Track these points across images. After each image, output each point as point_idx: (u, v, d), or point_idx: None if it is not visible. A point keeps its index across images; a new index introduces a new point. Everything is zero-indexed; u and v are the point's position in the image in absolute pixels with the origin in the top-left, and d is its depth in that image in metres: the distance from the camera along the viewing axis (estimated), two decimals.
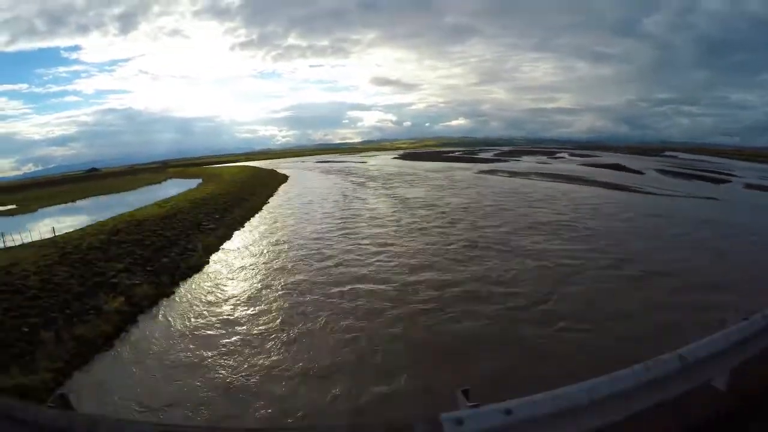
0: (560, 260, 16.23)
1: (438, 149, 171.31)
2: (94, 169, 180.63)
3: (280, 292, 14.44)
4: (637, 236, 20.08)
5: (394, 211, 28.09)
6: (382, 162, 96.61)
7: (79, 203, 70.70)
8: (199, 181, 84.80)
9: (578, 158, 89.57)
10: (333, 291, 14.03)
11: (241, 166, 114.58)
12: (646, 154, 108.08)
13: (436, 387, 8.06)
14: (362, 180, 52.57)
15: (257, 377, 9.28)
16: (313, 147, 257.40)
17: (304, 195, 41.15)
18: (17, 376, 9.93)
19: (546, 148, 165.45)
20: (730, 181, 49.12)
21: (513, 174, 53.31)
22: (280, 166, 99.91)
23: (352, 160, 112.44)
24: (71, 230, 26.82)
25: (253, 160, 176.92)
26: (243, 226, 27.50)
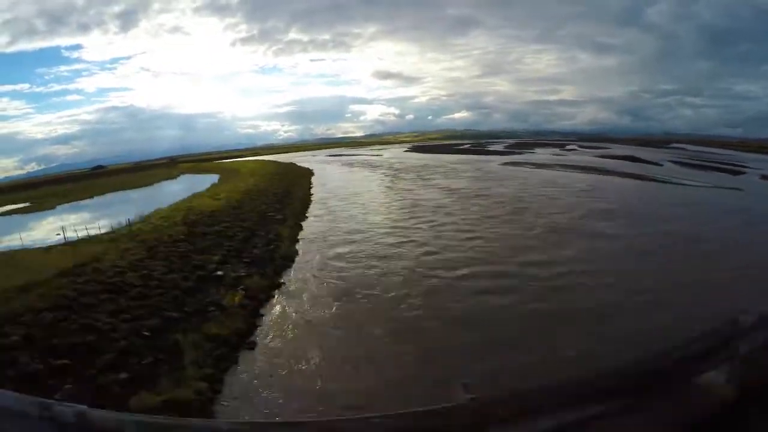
0: (639, 240, 18.04)
1: (444, 142, 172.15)
2: (99, 167, 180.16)
3: (398, 278, 15.14)
4: (696, 221, 21.91)
5: (452, 201, 29.73)
6: (398, 155, 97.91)
7: (99, 200, 71.47)
8: (216, 176, 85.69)
9: (590, 150, 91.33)
10: (454, 275, 15.35)
11: (256, 160, 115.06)
12: (653, 146, 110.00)
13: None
14: (393, 172, 54.09)
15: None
16: (315, 141, 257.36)
17: (345, 187, 42.53)
18: (167, 390, 8.69)
19: (553, 140, 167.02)
20: (745, 173, 51.05)
21: (539, 166, 55.03)
22: (294, 160, 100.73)
23: (364, 154, 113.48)
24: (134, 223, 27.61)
25: (260, 154, 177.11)
26: (306, 217, 28.36)
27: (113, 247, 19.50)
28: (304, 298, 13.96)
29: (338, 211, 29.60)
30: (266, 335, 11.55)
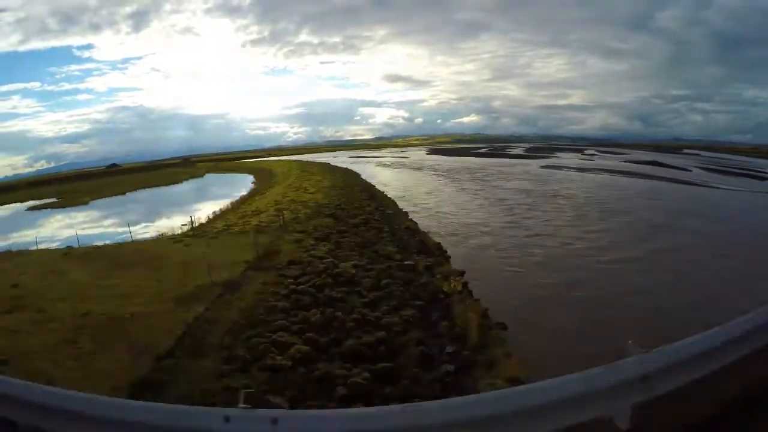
0: (733, 236, 21.47)
1: (456, 146, 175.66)
2: (114, 165, 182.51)
3: (564, 262, 18.03)
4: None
5: (534, 201, 32.49)
6: (423, 157, 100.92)
7: (132, 195, 73.77)
8: (246, 175, 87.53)
9: (611, 155, 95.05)
10: (605, 259, 18.55)
11: (278, 160, 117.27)
12: (667, 152, 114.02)
13: None
14: (443, 173, 57.32)
15: None
16: (324, 144, 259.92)
17: (409, 187, 44.52)
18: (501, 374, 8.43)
19: (567, 145, 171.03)
20: None
21: (581, 170, 58.61)
22: (317, 161, 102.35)
23: (386, 156, 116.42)
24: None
25: (273, 155, 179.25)
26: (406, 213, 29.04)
27: (275, 240, 20.12)
28: (499, 284, 15.16)
29: (431, 207, 31.37)
30: (513, 320, 11.77)
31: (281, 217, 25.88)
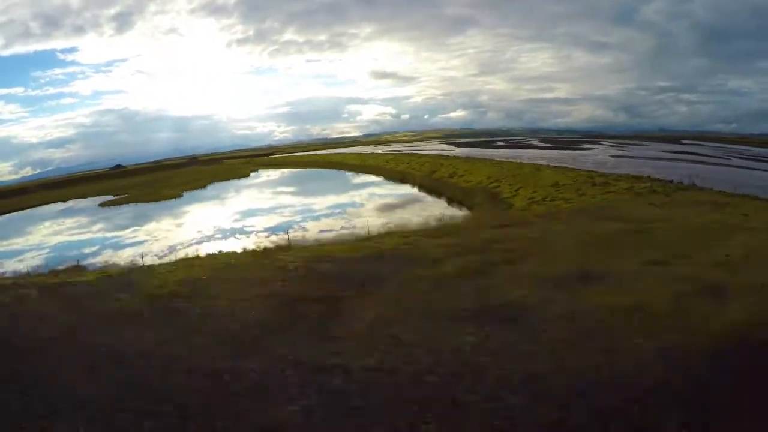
0: None
1: (457, 140, 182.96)
2: (119, 166, 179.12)
3: None
4: None
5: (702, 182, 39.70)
6: (471, 152, 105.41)
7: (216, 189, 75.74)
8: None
9: (634, 147, 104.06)
10: None
11: (352, 154, 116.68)
12: (667, 143, 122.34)
13: None
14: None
15: None
16: (311, 142, 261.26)
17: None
18: None
19: (571, 137, 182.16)
20: None
21: (650, 158, 67.14)
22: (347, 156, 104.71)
23: (421, 149, 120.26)
24: None
25: (278, 153, 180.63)
26: None
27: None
28: None
29: None
30: None
31: None
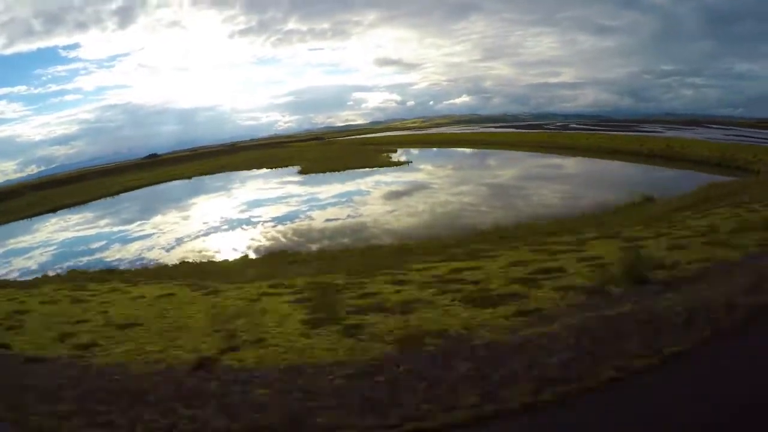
0: None
1: (477, 125, 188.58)
2: (153, 155, 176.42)
3: None
4: None
5: None
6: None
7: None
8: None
9: (689, 129, 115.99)
10: None
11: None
12: (684, 126, 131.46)
13: None
14: None
15: None
16: (317, 131, 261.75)
17: None
18: None
19: (616, 121, 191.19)
20: None
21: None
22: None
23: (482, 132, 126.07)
24: None
25: (296, 142, 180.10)
26: None
27: None
28: None
29: None
30: None
31: None
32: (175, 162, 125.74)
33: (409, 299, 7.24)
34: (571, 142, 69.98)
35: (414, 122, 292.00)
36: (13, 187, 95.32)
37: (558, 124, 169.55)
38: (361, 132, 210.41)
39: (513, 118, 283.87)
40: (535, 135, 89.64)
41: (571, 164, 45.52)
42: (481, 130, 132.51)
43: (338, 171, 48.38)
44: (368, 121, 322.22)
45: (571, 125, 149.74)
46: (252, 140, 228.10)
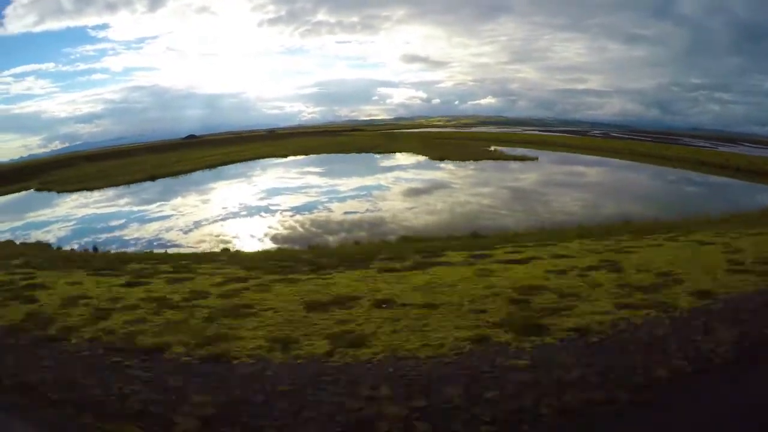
0: None
1: (490, 129, 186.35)
2: (192, 136, 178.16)
3: None
4: None
5: None
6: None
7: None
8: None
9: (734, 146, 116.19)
10: None
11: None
12: (722, 142, 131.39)
13: None
14: None
15: None
16: (340, 124, 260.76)
17: None
18: None
19: (651, 134, 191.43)
20: None
21: None
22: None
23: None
24: None
25: (332, 132, 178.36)
26: None
27: None
28: None
29: None
30: None
31: None
32: (223, 143, 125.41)
33: None
34: (657, 151, 70.57)
35: (439, 120, 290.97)
36: (61, 157, 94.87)
37: (596, 132, 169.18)
38: (387, 127, 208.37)
39: (539, 123, 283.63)
40: (601, 141, 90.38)
41: (693, 175, 45.54)
42: (529, 131, 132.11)
43: (472, 160, 45.44)
44: (392, 117, 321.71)
45: (612, 134, 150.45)
46: (287, 129, 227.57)
